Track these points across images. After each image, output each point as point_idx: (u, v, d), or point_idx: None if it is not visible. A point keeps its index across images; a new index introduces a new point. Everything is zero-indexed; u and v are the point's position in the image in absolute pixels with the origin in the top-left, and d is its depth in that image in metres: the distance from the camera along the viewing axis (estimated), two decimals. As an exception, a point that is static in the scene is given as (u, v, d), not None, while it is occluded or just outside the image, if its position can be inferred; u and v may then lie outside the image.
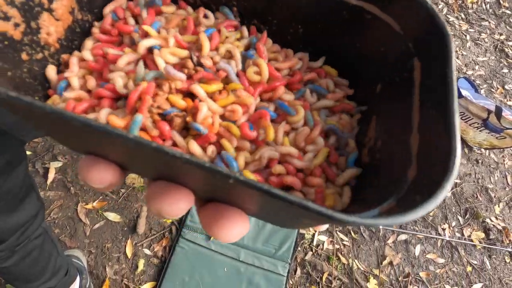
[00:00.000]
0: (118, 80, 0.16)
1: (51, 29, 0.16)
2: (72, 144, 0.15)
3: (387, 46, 0.17)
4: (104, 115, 0.15)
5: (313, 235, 1.14)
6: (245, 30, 0.19)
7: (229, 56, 0.18)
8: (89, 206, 1.01)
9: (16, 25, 0.15)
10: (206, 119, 0.15)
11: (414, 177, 0.13)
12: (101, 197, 1.03)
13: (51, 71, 0.17)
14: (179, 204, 0.12)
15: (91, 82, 0.17)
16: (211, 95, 0.17)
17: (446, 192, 0.11)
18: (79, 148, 0.14)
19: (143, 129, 0.15)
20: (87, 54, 0.17)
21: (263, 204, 0.12)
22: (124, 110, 0.16)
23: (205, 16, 0.19)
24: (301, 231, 1.13)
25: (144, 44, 0.17)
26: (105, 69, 0.17)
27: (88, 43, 0.18)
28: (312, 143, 0.17)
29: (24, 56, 0.16)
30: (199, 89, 0.16)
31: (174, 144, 0.16)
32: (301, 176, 0.16)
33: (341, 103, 0.19)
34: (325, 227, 0.16)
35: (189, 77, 0.17)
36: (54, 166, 1.04)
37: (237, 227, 0.13)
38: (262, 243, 1.04)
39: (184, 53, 0.17)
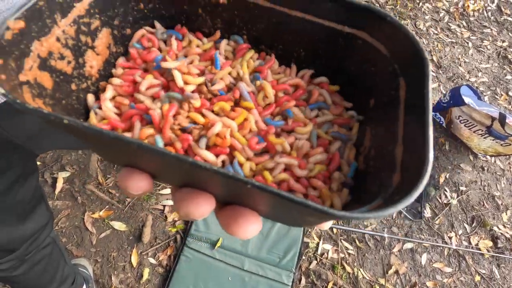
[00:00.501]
0: (146, 100, 0.19)
1: (94, 62, 0.20)
2: (113, 159, 0.18)
3: (377, 67, 0.19)
4: (137, 130, 0.18)
5: (318, 244, 1.14)
6: (255, 55, 0.22)
7: (240, 78, 0.21)
8: (96, 215, 1.03)
9: (69, 62, 0.18)
10: (219, 134, 0.18)
11: (398, 183, 0.15)
12: (107, 207, 1.05)
13: (90, 99, 0.20)
14: (204, 206, 0.14)
15: (124, 103, 0.19)
16: (226, 113, 0.19)
17: (417, 193, 0.13)
18: (118, 162, 0.17)
19: (167, 143, 0.18)
20: (116, 80, 0.20)
21: (274, 205, 0.14)
22: (151, 126, 0.18)
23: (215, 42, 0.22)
24: (306, 239, 1.13)
25: (167, 65, 0.19)
26: (136, 92, 0.20)
27: (118, 71, 0.21)
28: (314, 155, 0.19)
29: (73, 86, 0.19)
30: (209, 114, 0.19)
31: (190, 152, 0.18)
32: (303, 180, 0.18)
33: (339, 116, 0.21)
34: (327, 226, 0.18)
35: (209, 99, 0.20)
36: (62, 176, 1.06)
37: (253, 225, 0.15)
38: (266, 252, 1.04)
39: (200, 80, 0.20)
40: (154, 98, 0.19)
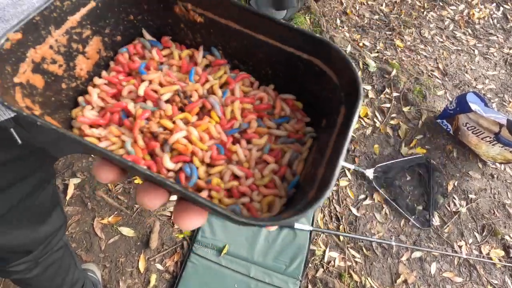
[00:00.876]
0: (130, 102, 0.21)
1: (83, 65, 0.22)
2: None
3: (329, 92, 0.21)
4: (114, 129, 0.20)
5: (324, 252, 1.13)
6: (227, 68, 0.24)
7: (211, 91, 0.23)
8: (105, 221, 1.04)
9: (60, 65, 0.20)
10: (180, 141, 0.20)
11: (311, 199, 0.16)
12: (116, 212, 1.07)
13: (80, 100, 0.22)
14: (155, 200, 0.17)
15: (108, 102, 0.22)
16: (193, 122, 0.21)
17: (313, 209, 0.15)
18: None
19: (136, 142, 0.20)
20: (99, 80, 0.22)
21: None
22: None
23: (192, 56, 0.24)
24: (312, 247, 1.12)
25: (147, 77, 0.22)
26: (118, 94, 0.22)
27: (104, 74, 0.23)
28: (268, 166, 0.21)
29: (63, 85, 0.21)
30: (179, 122, 0.21)
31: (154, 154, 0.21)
32: (253, 185, 0.20)
33: (298, 131, 0.23)
34: (272, 228, 0.19)
35: (180, 108, 0.22)
36: (73, 182, 1.09)
37: (192, 220, 0.17)
38: (272, 259, 1.04)
39: (174, 88, 0.22)
40: (135, 101, 0.22)
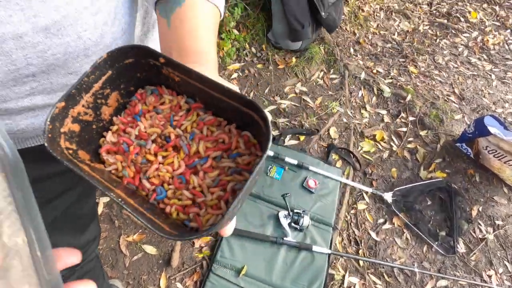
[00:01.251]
0: (131, 137, 0.31)
1: (106, 112, 0.31)
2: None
3: (264, 139, 0.27)
4: (119, 158, 0.30)
5: (343, 277, 1.11)
6: (201, 112, 0.32)
7: (185, 130, 0.31)
8: (130, 238, 1.10)
9: (90, 115, 0.30)
10: (153, 174, 0.29)
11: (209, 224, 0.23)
12: (140, 230, 1.12)
13: (105, 134, 0.32)
14: None
15: (120, 135, 0.32)
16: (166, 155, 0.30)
17: (215, 229, 0.22)
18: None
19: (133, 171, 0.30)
20: (117, 120, 0.32)
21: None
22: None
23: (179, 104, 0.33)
24: (331, 271, 1.11)
25: (140, 124, 0.31)
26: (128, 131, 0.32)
27: (123, 114, 0.33)
28: (216, 192, 0.28)
29: (93, 126, 0.30)
30: (159, 157, 0.30)
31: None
32: (202, 203, 0.28)
33: (244, 165, 0.29)
34: (227, 233, 0.27)
35: (161, 146, 0.30)
36: (102, 201, 1.16)
37: None
38: (290, 282, 1.04)
39: (157, 130, 0.31)
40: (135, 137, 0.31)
